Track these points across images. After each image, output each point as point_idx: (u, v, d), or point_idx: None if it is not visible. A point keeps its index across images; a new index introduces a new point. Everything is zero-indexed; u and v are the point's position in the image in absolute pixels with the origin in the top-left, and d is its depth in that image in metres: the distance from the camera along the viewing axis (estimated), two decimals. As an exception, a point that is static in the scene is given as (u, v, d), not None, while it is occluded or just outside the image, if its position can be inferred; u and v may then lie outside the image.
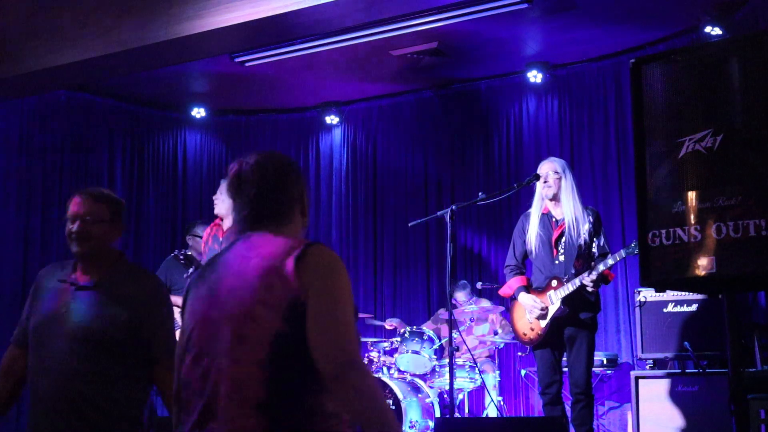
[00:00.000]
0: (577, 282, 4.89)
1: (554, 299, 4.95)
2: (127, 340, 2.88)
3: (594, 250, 5.05)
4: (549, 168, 5.12)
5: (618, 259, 4.87)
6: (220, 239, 5.96)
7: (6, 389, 3.06)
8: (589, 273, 4.87)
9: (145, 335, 2.91)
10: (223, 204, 5.93)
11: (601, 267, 4.85)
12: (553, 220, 5.09)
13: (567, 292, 4.92)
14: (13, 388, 3.06)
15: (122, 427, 2.89)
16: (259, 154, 2.30)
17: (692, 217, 2.63)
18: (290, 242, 2.14)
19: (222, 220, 6.06)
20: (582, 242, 5.00)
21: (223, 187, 5.99)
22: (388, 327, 7.32)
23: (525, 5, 6.12)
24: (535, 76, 7.59)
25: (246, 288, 2.08)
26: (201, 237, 6.69)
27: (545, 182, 5.09)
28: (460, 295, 7.24)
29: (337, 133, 8.79)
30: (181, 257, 5.92)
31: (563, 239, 5.03)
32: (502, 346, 6.93)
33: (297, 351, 2.03)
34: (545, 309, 4.97)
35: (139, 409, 2.95)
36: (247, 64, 7.23)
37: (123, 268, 3.04)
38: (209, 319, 2.12)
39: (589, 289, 4.90)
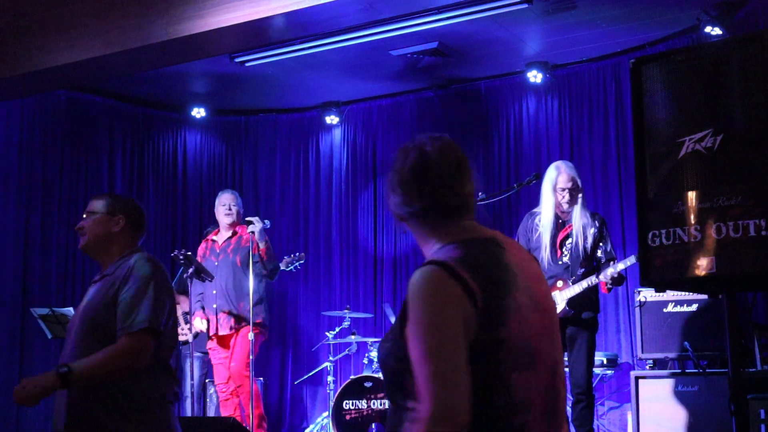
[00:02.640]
0: (584, 284, 4.90)
1: (559, 300, 4.95)
2: (112, 318, 2.93)
3: (600, 254, 5.06)
4: (568, 180, 5.04)
5: (629, 264, 4.87)
6: (218, 251, 6.08)
7: None
8: (597, 275, 4.89)
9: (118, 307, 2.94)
10: (238, 215, 6.10)
11: (610, 270, 4.86)
12: (560, 221, 5.10)
13: (573, 294, 4.93)
14: None
15: (132, 406, 2.93)
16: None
17: (692, 217, 2.63)
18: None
19: (218, 233, 6.21)
20: (588, 246, 5.01)
21: (232, 199, 6.12)
22: (388, 327, 7.33)
23: (525, 5, 6.11)
24: (535, 76, 7.59)
25: (549, 291, 2.08)
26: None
27: (564, 191, 5.04)
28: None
29: (337, 133, 8.79)
30: (181, 257, 5.95)
31: (568, 241, 5.04)
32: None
33: None
34: None
35: (150, 385, 2.96)
36: (247, 64, 7.22)
37: (130, 257, 3.09)
38: (544, 328, 1.95)
39: (608, 285, 4.91)
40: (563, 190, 5.02)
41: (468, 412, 1.76)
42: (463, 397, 1.76)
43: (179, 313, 6.74)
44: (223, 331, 5.93)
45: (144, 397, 2.94)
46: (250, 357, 5.76)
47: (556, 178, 5.05)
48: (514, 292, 1.87)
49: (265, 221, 5.96)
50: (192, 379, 6.09)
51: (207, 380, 6.86)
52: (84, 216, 3.19)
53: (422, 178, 2.01)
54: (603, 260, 5.04)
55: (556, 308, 2.03)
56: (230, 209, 6.18)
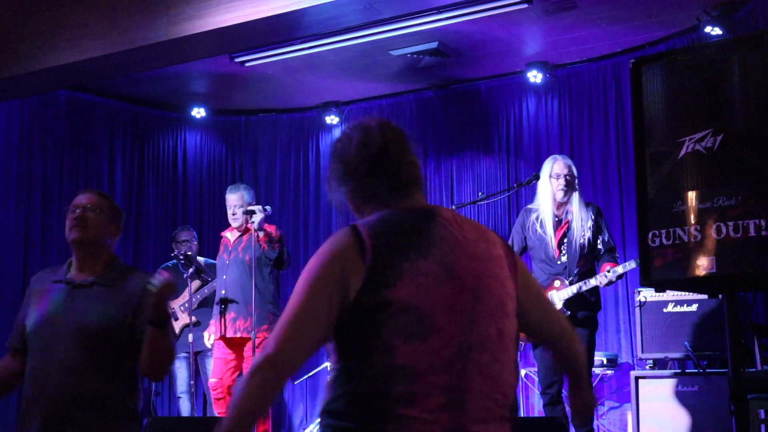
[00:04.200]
0: (581, 286, 4.91)
1: (556, 300, 4.95)
2: (123, 334, 2.97)
3: (599, 246, 5.06)
4: (564, 167, 5.07)
5: (627, 268, 4.89)
6: (230, 248, 6.02)
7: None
8: (595, 278, 4.91)
9: (138, 329, 2.98)
10: (243, 217, 6.01)
11: (609, 275, 4.87)
12: (556, 219, 5.09)
13: (569, 295, 4.93)
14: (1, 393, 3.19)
15: (122, 419, 2.98)
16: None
17: (692, 217, 2.63)
18: (486, 228, 2.05)
19: (232, 230, 6.15)
20: (585, 241, 5.01)
21: (236, 201, 6.03)
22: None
23: (525, 5, 6.11)
24: (535, 76, 7.58)
25: (494, 277, 1.93)
26: (180, 241, 6.84)
27: (558, 178, 5.04)
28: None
29: (337, 133, 8.79)
30: (181, 257, 5.94)
31: (565, 239, 5.04)
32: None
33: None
34: None
35: (136, 399, 3.05)
36: (247, 64, 7.22)
37: (117, 268, 3.12)
38: (456, 304, 1.85)
39: (602, 285, 4.94)
40: (558, 176, 5.03)
41: (293, 369, 1.86)
42: (297, 354, 1.84)
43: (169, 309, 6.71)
44: (231, 334, 5.74)
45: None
46: None
47: (552, 165, 5.09)
48: (418, 259, 1.84)
49: (266, 208, 5.84)
50: (191, 379, 6.07)
51: (191, 381, 6.81)
52: (81, 207, 3.08)
53: (374, 160, 2.06)
54: (602, 251, 5.05)
55: (497, 294, 1.92)
56: (234, 213, 6.06)
